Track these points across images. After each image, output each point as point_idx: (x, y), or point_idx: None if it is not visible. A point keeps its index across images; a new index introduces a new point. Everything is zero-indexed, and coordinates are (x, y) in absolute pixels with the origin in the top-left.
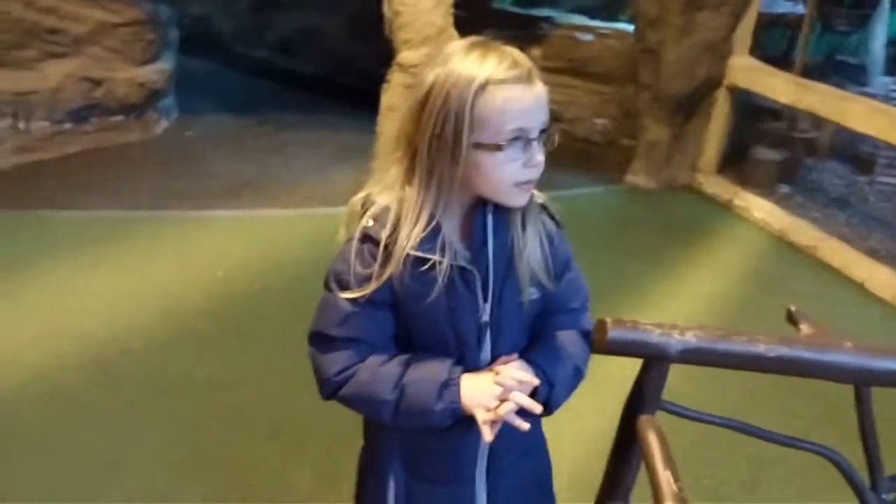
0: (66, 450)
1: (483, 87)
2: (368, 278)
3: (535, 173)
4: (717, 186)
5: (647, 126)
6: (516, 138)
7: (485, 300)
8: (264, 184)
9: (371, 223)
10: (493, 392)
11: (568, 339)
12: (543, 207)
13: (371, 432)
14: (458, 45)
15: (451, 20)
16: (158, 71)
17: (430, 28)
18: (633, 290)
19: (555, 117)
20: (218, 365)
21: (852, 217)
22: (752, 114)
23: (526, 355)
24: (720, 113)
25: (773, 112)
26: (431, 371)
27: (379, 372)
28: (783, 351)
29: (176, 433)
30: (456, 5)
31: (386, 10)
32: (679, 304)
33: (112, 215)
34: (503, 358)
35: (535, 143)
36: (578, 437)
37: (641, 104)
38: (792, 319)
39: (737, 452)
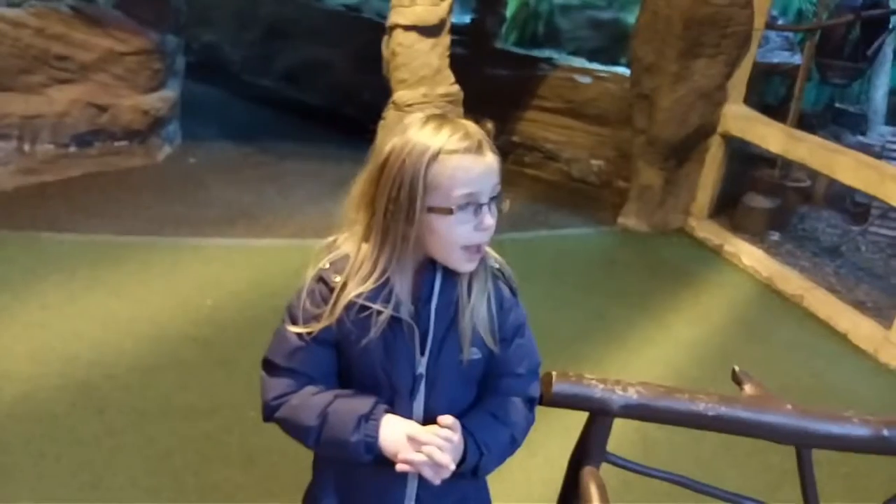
0: (43, 471)
1: (435, 156)
2: (316, 317)
3: (484, 237)
4: (708, 231)
5: (640, 169)
6: (467, 203)
7: (422, 353)
8: (260, 213)
9: (327, 266)
10: (406, 437)
11: (510, 406)
12: (500, 272)
13: (315, 466)
14: (415, 117)
15: (447, 61)
16: (163, 99)
17: (425, 69)
18: (614, 334)
19: (551, 156)
20: (198, 392)
21: (841, 267)
22: (747, 161)
23: (464, 420)
24: (713, 159)
25: (768, 160)
26: (355, 404)
27: (309, 400)
28: (723, 410)
29: (152, 459)
30: (459, 43)
31: (384, 50)
32: (659, 350)
33: (109, 239)
34: (441, 418)
35: (484, 208)
36: (550, 481)
37: (635, 148)
38: (736, 379)
39: (709, 501)
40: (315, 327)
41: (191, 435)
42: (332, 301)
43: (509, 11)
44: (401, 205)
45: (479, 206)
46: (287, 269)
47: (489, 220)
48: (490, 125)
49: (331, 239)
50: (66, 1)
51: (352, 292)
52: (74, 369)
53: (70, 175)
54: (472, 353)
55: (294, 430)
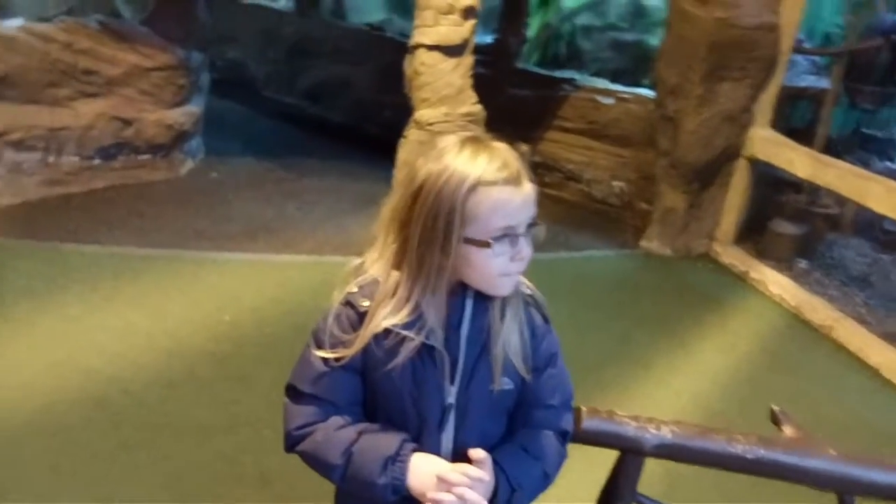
0: (58, 485)
1: (474, 187)
2: (342, 342)
3: (521, 266)
4: (733, 257)
5: (663, 192)
6: (504, 235)
7: (451, 382)
8: (280, 228)
9: (356, 290)
10: (436, 478)
11: (542, 439)
12: (532, 299)
13: (337, 499)
14: (451, 140)
15: (469, 81)
16: (187, 114)
17: (448, 88)
18: (638, 360)
19: (572, 177)
20: (215, 409)
21: (871, 297)
22: (773, 185)
23: (495, 454)
24: (739, 183)
25: (795, 185)
26: (381, 443)
27: (333, 435)
28: (762, 453)
29: (166, 477)
30: (481, 63)
31: (407, 68)
32: (685, 378)
33: (130, 252)
34: (472, 452)
35: (521, 239)
36: None
37: (658, 170)
38: (775, 420)
39: None
40: (342, 353)
41: (206, 453)
42: (358, 326)
43: (531, 32)
44: (436, 235)
45: (516, 236)
46: (306, 286)
47: (526, 250)
48: (525, 148)
49: (358, 261)
50: (94, 16)
51: (383, 322)
52: (92, 383)
53: (94, 187)
54: (505, 384)
55: (318, 466)
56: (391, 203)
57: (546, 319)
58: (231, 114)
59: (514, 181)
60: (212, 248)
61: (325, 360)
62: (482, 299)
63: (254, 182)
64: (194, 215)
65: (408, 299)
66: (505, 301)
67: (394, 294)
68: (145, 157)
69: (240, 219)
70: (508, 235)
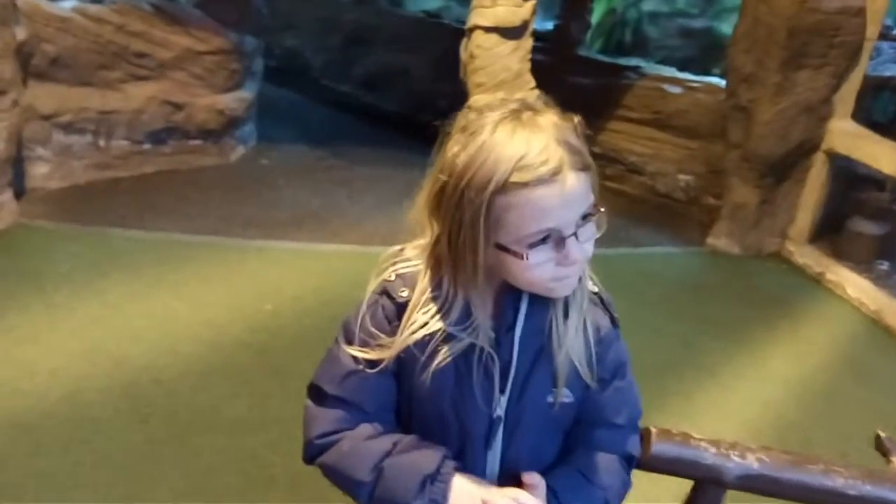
0: (80, 479)
1: (500, 189)
2: (375, 339)
3: (576, 268)
4: (808, 257)
5: (733, 187)
6: (544, 239)
7: (502, 391)
8: (328, 217)
9: (393, 278)
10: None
11: (604, 464)
12: (598, 297)
13: None
14: (487, 119)
15: (527, 65)
16: (239, 99)
17: (505, 73)
18: (702, 366)
19: (635, 170)
20: (248, 403)
21: None
22: (852, 182)
23: (549, 478)
24: (816, 178)
25: (876, 181)
26: (419, 459)
27: (362, 446)
28: (867, 490)
29: (193, 477)
30: (541, 50)
31: (462, 52)
32: (755, 386)
33: (176, 238)
34: (525, 476)
35: (569, 240)
36: None
37: (729, 163)
38: (882, 448)
39: None
40: (376, 356)
41: (236, 451)
42: (395, 321)
43: (595, 18)
44: (464, 238)
45: (562, 238)
46: (349, 278)
47: (575, 252)
48: (577, 119)
49: (397, 248)
50: None
51: (432, 322)
52: (122, 372)
53: (143, 172)
54: (564, 396)
55: (342, 481)
56: (427, 183)
57: (614, 322)
58: (286, 102)
59: (551, 177)
60: (258, 236)
61: (354, 357)
62: (540, 297)
63: (304, 170)
64: (242, 202)
65: (455, 297)
66: (568, 298)
67: (437, 289)
68: (196, 142)
69: (288, 206)
70: (551, 238)
